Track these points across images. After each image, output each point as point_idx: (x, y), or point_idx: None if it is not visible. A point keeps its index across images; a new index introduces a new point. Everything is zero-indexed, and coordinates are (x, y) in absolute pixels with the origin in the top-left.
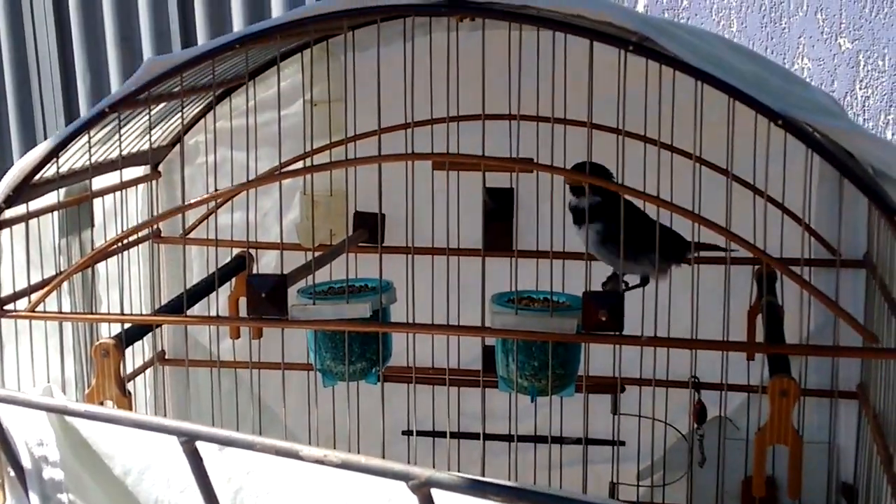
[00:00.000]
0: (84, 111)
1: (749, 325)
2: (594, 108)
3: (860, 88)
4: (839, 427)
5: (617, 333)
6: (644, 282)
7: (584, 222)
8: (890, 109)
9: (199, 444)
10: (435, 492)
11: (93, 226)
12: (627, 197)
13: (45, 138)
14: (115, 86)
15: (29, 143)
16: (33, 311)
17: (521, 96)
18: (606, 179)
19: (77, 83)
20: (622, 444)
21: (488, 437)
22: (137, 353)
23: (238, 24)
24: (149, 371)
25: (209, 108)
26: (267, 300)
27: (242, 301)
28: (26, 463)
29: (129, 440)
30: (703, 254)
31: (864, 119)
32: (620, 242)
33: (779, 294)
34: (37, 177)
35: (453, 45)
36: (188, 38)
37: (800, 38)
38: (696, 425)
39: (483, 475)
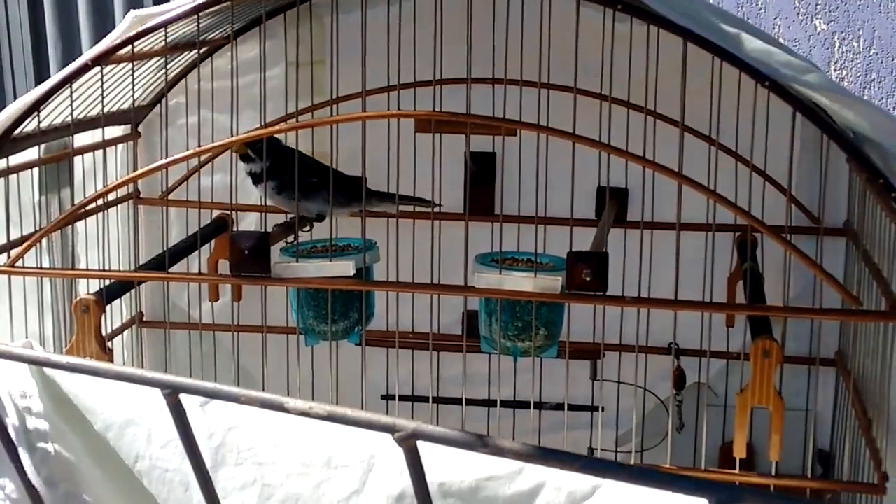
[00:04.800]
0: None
1: (729, 291)
2: (579, 76)
3: (835, 70)
4: (817, 394)
5: (601, 293)
6: (319, 218)
7: (262, 181)
8: (864, 91)
9: (182, 398)
10: (421, 446)
11: (72, 184)
12: None
13: None
14: None
15: None
16: (12, 267)
17: (507, 61)
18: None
19: (48, 52)
20: (601, 409)
21: (468, 401)
22: (115, 316)
23: None
24: (126, 334)
25: (190, 67)
26: (249, 258)
27: (222, 263)
28: (10, 413)
29: (110, 394)
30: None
31: None
32: (296, 189)
33: (759, 262)
34: (17, 131)
35: (438, 8)
36: None
37: (775, 18)
38: (674, 391)
39: None
